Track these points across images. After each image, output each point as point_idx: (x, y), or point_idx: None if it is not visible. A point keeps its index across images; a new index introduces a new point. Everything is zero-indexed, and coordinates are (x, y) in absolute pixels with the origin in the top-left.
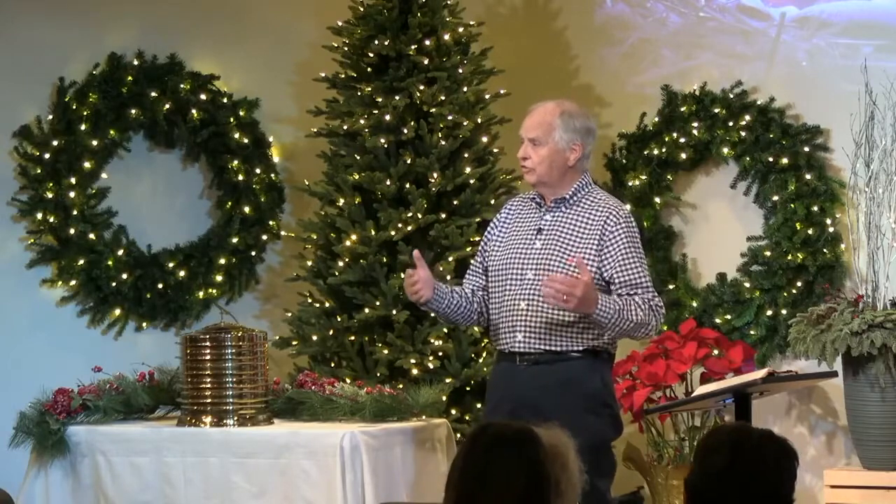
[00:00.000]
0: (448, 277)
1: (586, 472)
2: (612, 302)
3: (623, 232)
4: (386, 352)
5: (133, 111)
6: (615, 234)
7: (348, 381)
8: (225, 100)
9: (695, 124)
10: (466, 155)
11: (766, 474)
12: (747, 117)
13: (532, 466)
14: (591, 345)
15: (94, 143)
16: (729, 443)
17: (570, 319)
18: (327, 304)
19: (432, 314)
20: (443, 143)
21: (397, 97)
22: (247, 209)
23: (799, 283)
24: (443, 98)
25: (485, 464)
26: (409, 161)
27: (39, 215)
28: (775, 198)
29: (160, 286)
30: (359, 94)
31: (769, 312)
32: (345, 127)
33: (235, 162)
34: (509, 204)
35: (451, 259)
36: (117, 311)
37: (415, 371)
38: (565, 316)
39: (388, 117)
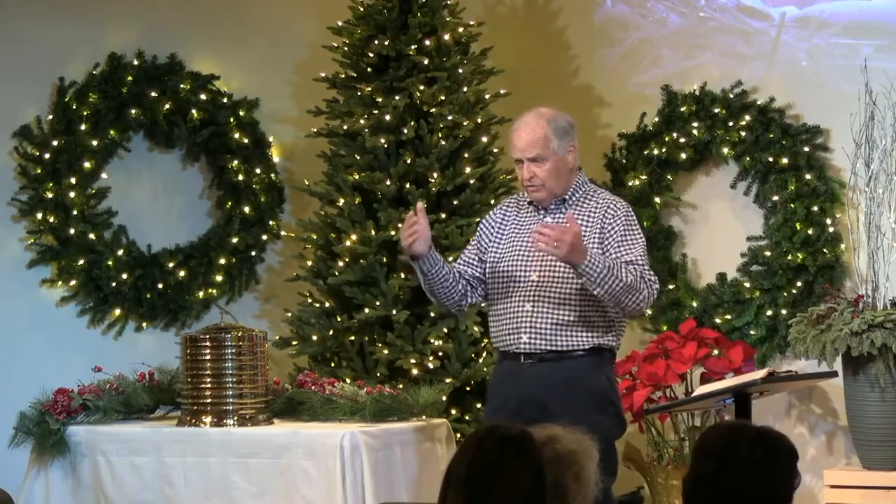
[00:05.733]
0: None
1: None
2: (603, 258)
3: (621, 220)
4: (386, 352)
5: (133, 111)
6: (613, 223)
7: (348, 381)
8: (225, 100)
9: (695, 124)
10: (466, 155)
11: (757, 477)
12: (747, 117)
13: (535, 469)
14: (595, 343)
15: (94, 143)
16: (720, 446)
17: (575, 319)
18: (327, 304)
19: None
20: (443, 143)
21: (397, 97)
22: (247, 209)
23: (799, 283)
24: (443, 98)
25: (494, 466)
26: (409, 161)
27: (39, 215)
28: (775, 198)
29: (160, 286)
30: (359, 94)
31: (769, 312)
32: (345, 127)
33: (235, 162)
34: (505, 203)
35: (451, 259)
36: (117, 311)
37: (415, 371)
38: (570, 316)
39: (388, 117)
